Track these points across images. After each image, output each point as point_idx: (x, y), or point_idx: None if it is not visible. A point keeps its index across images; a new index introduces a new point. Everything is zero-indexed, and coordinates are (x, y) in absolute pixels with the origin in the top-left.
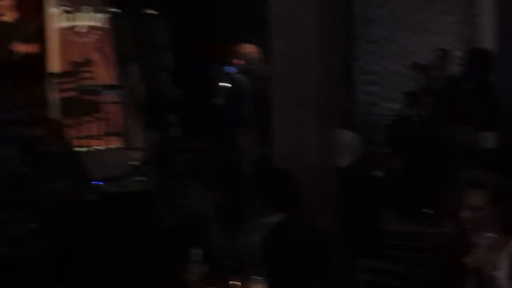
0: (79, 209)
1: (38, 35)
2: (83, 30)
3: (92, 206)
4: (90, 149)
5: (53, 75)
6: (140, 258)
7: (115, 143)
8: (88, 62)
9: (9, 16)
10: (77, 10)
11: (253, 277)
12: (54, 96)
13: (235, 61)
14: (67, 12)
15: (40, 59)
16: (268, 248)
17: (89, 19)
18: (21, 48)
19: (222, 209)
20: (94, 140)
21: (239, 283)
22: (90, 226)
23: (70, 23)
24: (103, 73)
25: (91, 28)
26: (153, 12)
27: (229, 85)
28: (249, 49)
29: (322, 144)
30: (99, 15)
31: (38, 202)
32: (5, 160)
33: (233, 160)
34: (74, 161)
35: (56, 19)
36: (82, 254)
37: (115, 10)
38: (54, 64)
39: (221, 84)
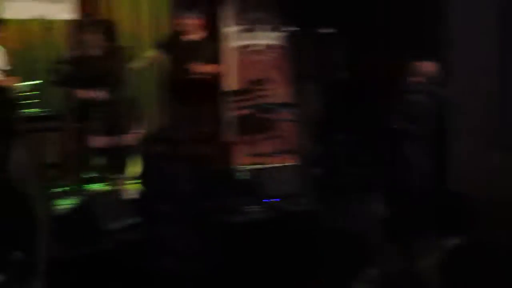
0: (250, 226)
1: (216, 54)
2: (260, 49)
3: (266, 223)
4: (265, 166)
5: (229, 93)
6: (313, 279)
7: (289, 160)
8: (264, 80)
9: (193, 36)
10: (254, 28)
11: None
12: (230, 114)
13: (412, 78)
14: (244, 30)
15: (216, 78)
16: (447, 272)
17: (266, 38)
18: (200, 68)
19: (392, 229)
20: (269, 158)
21: None
22: (261, 243)
23: (247, 42)
24: (278, 91)
25: (268, 46)
26: (328, 30)
27: (405, 103)
28: (428, 66)
29: (500, 166)
30: (276, 34)
31: (203, 219)
32: (172, 178)
33: (404, 179)
34: (241, 179)
35: (234, 38)
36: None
37: (291, 28)
38: (231, 82)
39: (396, 101)
